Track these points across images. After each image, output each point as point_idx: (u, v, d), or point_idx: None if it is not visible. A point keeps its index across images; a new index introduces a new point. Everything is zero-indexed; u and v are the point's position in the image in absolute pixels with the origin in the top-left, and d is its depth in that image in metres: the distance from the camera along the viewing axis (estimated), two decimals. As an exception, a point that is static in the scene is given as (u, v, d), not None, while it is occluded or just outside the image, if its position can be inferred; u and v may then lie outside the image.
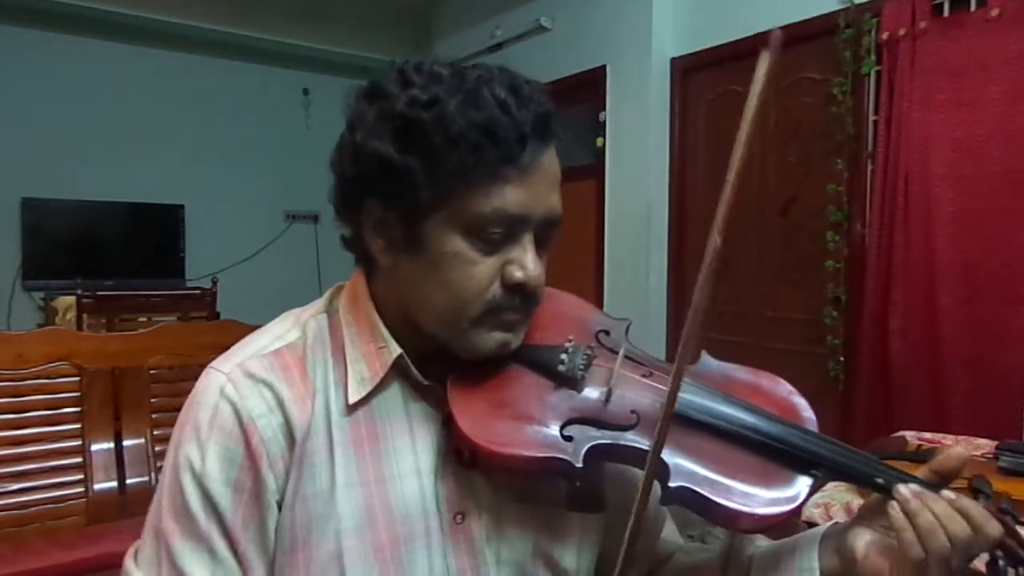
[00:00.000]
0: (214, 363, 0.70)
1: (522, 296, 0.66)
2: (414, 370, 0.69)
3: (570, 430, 0.66)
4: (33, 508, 1.65)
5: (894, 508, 0.63)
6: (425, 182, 0.63)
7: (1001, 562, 0.63)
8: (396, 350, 0.68)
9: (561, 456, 0.64)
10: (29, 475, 1.66)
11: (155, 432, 1.84)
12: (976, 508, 0.62)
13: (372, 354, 0.69)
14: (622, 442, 0.66)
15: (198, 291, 4.03)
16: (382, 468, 0.67)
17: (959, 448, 0.67)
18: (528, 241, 0.66)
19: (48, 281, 4.50)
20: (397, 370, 0.69)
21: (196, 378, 0.71)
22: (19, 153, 4.53)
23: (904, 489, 0.63)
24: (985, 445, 1.70)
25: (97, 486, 1.72)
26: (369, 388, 0.68)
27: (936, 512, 0.61)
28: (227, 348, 0.72)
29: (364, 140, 0.65)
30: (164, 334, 1.95)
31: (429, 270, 0.66)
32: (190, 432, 0.66)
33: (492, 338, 0.67)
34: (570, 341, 0.72)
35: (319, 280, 5.38)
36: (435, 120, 0.62)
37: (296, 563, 0.64)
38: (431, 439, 0.70)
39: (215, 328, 2.34)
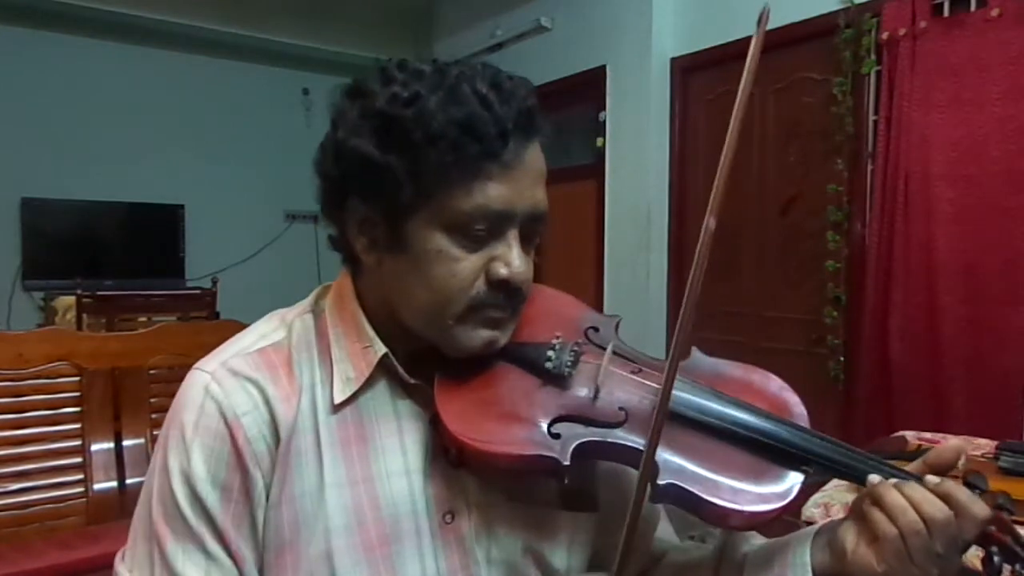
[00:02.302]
0: (198, 363, 0.69)
1: (507, 293, 0.66)
2: (400, 369, 0.69)
3: (558, 427, 0.65)
4: (33, 508, 1.65)
5: (865, 495, 0.63)
6: (406, 180, 0.62)
7: (996, 558, 0.61)
8: (381, 349, 0.68)
9: (548, 454, 0.63)
10: (29, 475, 1.66)
11: (155, 432, 1.84)
12: (961, 490, 0.61)
13: (358, 354, 0.69)
14: (610, 439, 0.65)
15: (198, 291, 4.03)
16: (370, 467, 0.67)
17: (956, 441, 0.66)
18: (513, 237, 0.65)
19: (48, 281, 4.49)
20: (384, 369, 0.69)
21: (196, 378, 0.70)
22: (19, 153, 4.53)
23: (875, 476, 0.63)
24: (985, 445, 1.70)
25: (97, 486, 1.72)
26: (354, 388, 0.67)
27: (908, 494, 0.60)
28: (228, 348, 0.72)
29: (345, 138, 0.65)
30: (164, 334, 1.95)
31: (412, 268, 0.65)
32: (176, 434, 0.65)
33: (478, 335, 0.67)
34: (558, 338, 0.71)
35: (319, 280, 5.17)
36: (415, 117, 0.61)
37: (284, 564, 0.64)
38: (420, 438, 0.69)
39: (215, 328, 2.34)
